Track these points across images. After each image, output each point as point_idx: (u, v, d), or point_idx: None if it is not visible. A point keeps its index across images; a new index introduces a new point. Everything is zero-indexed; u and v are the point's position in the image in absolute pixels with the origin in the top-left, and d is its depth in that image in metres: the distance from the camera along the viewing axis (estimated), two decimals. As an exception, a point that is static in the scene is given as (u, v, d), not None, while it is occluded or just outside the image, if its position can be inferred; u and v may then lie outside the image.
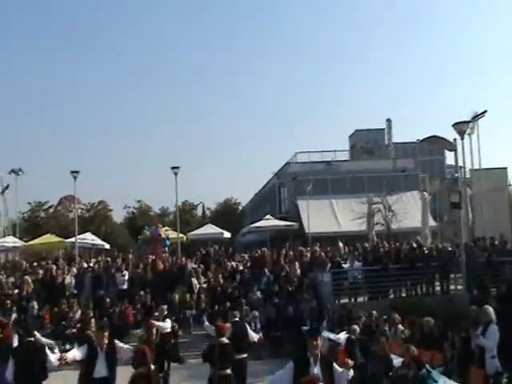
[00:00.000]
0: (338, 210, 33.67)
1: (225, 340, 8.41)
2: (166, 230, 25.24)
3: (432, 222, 27.15)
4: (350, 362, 6.11)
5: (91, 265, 19.92)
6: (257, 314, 15.29)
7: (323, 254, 19.34)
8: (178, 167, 23.83)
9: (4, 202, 40.14)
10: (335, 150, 40.01)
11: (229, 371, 8.16)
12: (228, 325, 9.66)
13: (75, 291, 18.08)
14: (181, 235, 26.12)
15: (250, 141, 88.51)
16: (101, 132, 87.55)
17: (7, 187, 40.10)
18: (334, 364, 6.12)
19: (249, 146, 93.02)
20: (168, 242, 23.26)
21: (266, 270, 18.40)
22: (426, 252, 18.67)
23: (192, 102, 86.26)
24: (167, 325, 10.77)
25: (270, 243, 27.19)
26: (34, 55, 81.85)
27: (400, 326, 11.29)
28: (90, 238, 27.06)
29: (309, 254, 19.90)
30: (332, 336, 11.49)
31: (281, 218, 32.57)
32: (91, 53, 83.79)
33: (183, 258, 20.39)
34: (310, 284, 17.40)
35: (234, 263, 20.11)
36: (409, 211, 28.16)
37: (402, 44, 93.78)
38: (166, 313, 11.13)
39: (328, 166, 36.98)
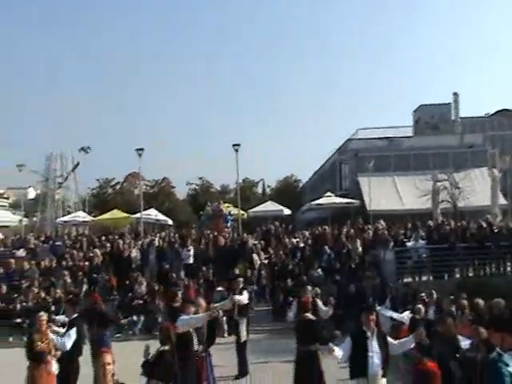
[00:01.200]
0: (401, 187, 32.83)
1: (309, 315, 8.28)
2: (227, 207, 25.53)
3: (502, 200, 25.99)
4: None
5: (156, 239, 20.47)
6: (319, 291, 15.23)
7: (386, 231, 18.97)
8: (238, 144, 23.94)
9: (74, 178, 41.99)
10: (398, 126, 38.93)
11: (315, 347, 8.04)
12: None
13: (140, 264, 18.68)
14: (241, 212, 26.35)
15: (311, 117, 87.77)
16: (167, 112, 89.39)
17: (77, 165, 41.89)
18: (388, 337, 6.57)
19: (310, 124, 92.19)
20: (230, 218, 23.52)
21: (327, 248, 18.28)
22: (496, 231, 17.92)
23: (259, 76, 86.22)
24: (244, 297, 10.89)
25: (331, 221, 26.94)
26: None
27: (467, 307, 10.92)
28: (153, 213, 27.84)
29: (371, 232, 19.57)
30: (395, 315, 11.25)
31: (341, 196, 32.17)
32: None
33: (244, 234, 20.59)
34: (371, 262, 17.14)
35: (294, 240, 20.10)
36: (476, 189, 27.01)
37: (470, 15, 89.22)
38: (242, 285, 11.21)
39: (390, 143, 36.05)
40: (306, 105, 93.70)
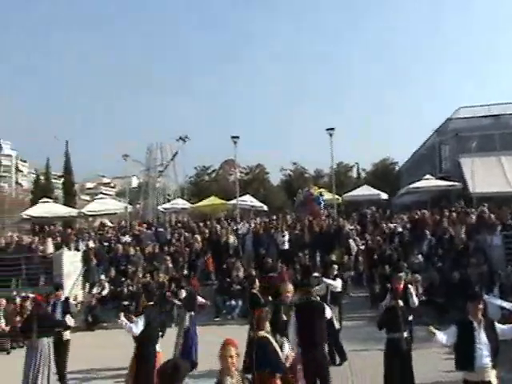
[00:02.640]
0: (509, 167, 30.61)
1: (398, 303, 8.01)
2: (317, 189, 25.30)
3: None
4: None
5: (252, 225, 20.75)
6: (419, 277, 14.66)
7: (492, 215, 17.79)
8: (333, 128, 23.59)
9: (173, 167, 43.70)
10: (503, 103, 36.19)
11: (406, 334, 7.78)
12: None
13: (238, 250, 19.04)
14: (336, 197, 25.98)
15: (405, 100, 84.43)
16: (257, 97, 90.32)
17: (176, 154, 43.53)
18: (496, 323, 6.10)
19: (406, 104, 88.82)
20: (322, 199, 23.28)
21: (428, 233, 17.51)
22: None
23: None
24: (338, 283, 10.81)
25: (431, 204, 25.78)
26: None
27: None
28: (249, 200, 28.24)
29: (474, 216, 18.46)
30: (506, 304, 10.56)
31: (441, 178, 30.61)
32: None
33: (340, 220, 20.28)
34: (477, 248, 16.17)
35: (391, 225, 19.48)
36: None
37: None
38: (336, 272, 11.13)
39: (496, 121, 33.66)
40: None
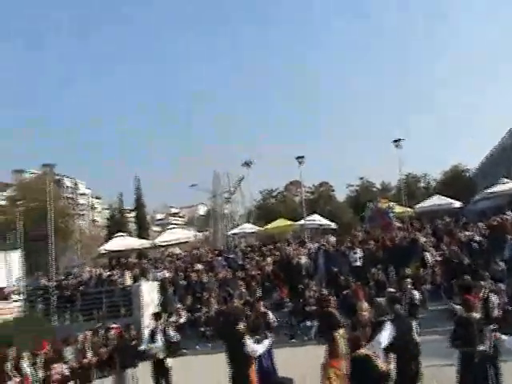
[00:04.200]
0: None
1: (474, 314, 7.57)
2: (385, 202, 24.72)
3: None
4: None
5: (322, 244, 20.56)
6: (502, 286, 13.91)
7: None
8: (399, 139, 23.05)
9: (240, 192, 44.31)
10: None
11: (484, 347, 7.31)
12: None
13: (310, 270, 18.87)
14: (407, 209, 25.30)
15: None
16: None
17: (242, 179, 44.15)
18: None
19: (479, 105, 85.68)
20: (391, 212, 22.70)
21: (509, 238, 16.63)
22: None
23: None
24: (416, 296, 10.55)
25: (509, 209, 24.49)
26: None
27: None
28: (317, 218, 28.05)
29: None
30: None
31: (519, 180, 29.10)
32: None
33: (413, 232, 19.69)
34: None
35: (468, 233, 18.66)
36: None
37: None
38: (409, 285, 10.85)
39: None
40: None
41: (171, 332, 9.82)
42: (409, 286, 10.71)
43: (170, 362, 9.61)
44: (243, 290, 18.06)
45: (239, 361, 7.77)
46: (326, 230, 28.57)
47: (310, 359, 9.37)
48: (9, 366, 8.83)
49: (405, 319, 7.50)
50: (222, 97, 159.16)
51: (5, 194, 58.15)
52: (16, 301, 18.87)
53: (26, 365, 9.48)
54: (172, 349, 9.68)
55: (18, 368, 9.16)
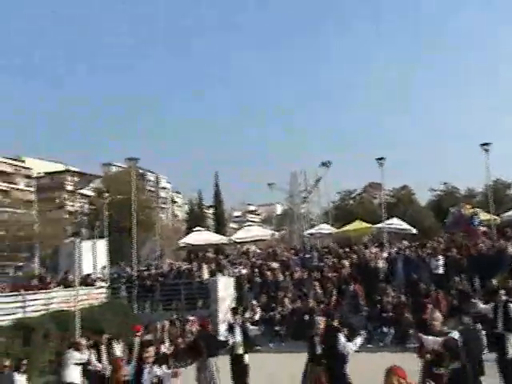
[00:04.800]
0: None
1: None
2: (469, 208, 23.53)
3: None
4: None
5: (402, 249, 19.98)
6: None
7: None
8: (488, 143, 21.82)
9: (317, 192, 44.03)
10: None
11: None
12: None
13: (388, 275, 18.41)
14: (494, 217, 23.97)
15: None
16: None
17: (319, 179, 43.83)
18: None
19: None
20: (475, 219, 21.57)
21: None
22: None
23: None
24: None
25: None
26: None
27: None
28: (396, 223, 27.25)
29: None
30: None
31: None
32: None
33: (501, 241, 18.64)
34: None
35: None
36: None
37: None
38: (504, 297, 10.25)
39: None
40: None
41: (251, 326, 9.89)
42: (503, 298, 10.10)
43: (247, 358, 9.69)
44: (318, 291, 17.92)
45: (334, 359, 7.82)
46: (406, 234, 27.71)
47: (383, 365, 9.13)
48: (103, 349, 9.31)
49: (474, 332, 7.15)
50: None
51: (93, 185, 61.45)
52: (101, 287, 19.85)
53: (118, 348, 9.97)
54: (249, 344, 9.74)
55: (110, 352, 9.63)
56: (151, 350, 6.76)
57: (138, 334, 9.76)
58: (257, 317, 17.56)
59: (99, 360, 9.52)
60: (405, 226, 27.63)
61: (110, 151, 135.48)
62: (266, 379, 11.27)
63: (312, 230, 31.84)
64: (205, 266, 20.84)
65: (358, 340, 8.18)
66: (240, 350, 9.64)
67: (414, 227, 28.81)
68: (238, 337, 9.70)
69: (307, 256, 21.69)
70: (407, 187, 51.58)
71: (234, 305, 18.61)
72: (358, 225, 29.10)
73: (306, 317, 16.20)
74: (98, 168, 67.85)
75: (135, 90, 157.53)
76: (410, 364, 6.23)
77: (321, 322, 8.60)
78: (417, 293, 16.33)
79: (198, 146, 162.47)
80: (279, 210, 69.81)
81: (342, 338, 7.98)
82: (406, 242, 21.44)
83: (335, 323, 8.67)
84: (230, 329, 10.00)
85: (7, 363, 10.67)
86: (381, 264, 18.57)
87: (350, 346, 7.95)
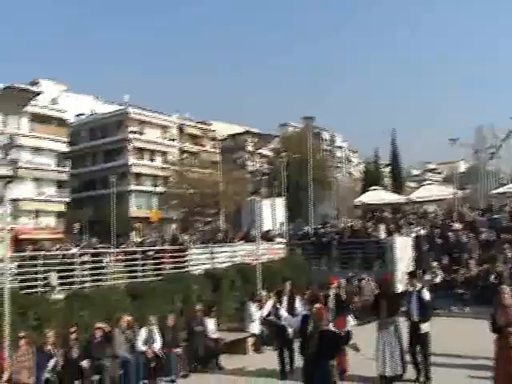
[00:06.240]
0: None
1: None
2: None
3: None
4: None
5: None
6: None
7: None
8: None
9: (508, 148, 40.05)
10: None
11: None
12: None
13: None
14: None
15: None
16: None
17: (509, 134, 39.77)
18: None
19: None
20: None
21: None
22: None
23: None
24: None
25: None
26: None
27: None
28: None
29: None
30: None
31: None
32: None
33: None
34: None
35: None
36: None
37: None
38: None
39: None
40: None
41: (426, 294, 9.37)
42: None
43: (425, 326, 9.21)
44: (508, 255, 16.42)
45: None
46: None
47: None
48: (284, 300, 9.76)
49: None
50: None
51: (271, 145, 63.83)
52: (280, 243, 20.69)
53: (297, 301, 10.42)
54: (426, 312, 9.24)
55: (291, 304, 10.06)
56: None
57: (333, 285, 10.08)
58: (438, 279, 16.82)
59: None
60: None
61: (287, 111, 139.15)
62: (447, 344, 10.74)
63: (501, 189, 29.11)
64: (381, 226, 20.42)
65: None
66: (415, 318, 9.25)
67: None
68: (414, 304, 9.28)
69: (495, 217, 19.93)
70: None
71: (412, 266, 17.99)
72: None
73: (493, 280, 15.02)
74: (275, 129, 70.05)
75: (324, 56, 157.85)
76: None
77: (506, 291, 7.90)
78: None
79: (376, 103, 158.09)
80: (462, 167, 65.08)
81: None
82: None
83: None
84: (405, 295, 9.63)
85: (199, 308, 11.77)
86: None
87: None
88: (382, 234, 19.93)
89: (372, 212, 26.56)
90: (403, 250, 18.12)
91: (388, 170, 64.39)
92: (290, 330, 9.53)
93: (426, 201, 28.12)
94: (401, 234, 19.49)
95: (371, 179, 52.00)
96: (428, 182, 36.69)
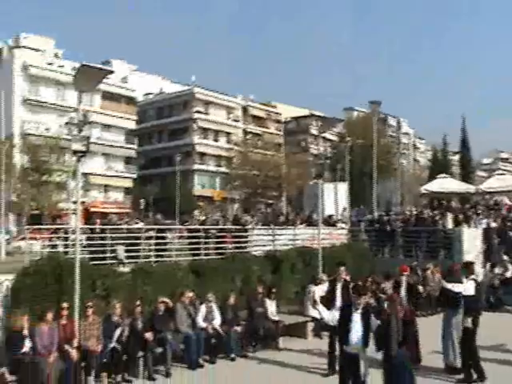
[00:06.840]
0: None
1: None
2: None
3: None
4: None
5: None
6: None
7: None
8: None
9: None
10: None
11: None
12: None
13: None
14: None
15: None
16: None
17: None
18: None
19: None
20: None
21: None
22: None
23: None
24: None
25: None
26: None
27: None
28: None
29: None
30: None
31: None
32: None
33: None
34: None
35: None
36: None
37: None
38: None
39: None
40: None
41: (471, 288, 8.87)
42: None
43: (468, 321, 8.64)
44: None
45: None
46: None
47: None
48: (338, 288, 9.59)
49: None
50: None
51: (335, 130, 62.90)
52: (342, 229, 20.40)
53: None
54: (471, 307, 8.71)
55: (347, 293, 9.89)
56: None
57: (405, 273, 10.12)
58: (508, 274, 16.07)
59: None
60: None
61: (353, 96, 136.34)
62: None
63: None
64: (449, 215, 19.66)
65: None
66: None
67: None
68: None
69: None
70: None
71: (481, 259, 17.25)
72: None
73: None
74: (340, 113, 68.94)
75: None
76: None
77: None
78: None
79: (444, 90, 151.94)
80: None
81: None
82: None
83: None
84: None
85: (260, 289, 11.80)
86: None
87: None
88: (450, 224, 19.20)
89: (439, 201, 25.62)
90: (471, 241, 17.43)
91: (457, 158, 61.96)
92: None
93: (498, 191, 26.82)
94: (469, 225, 18.72)
95: (439, 167, 50.27)
96: (500, 171, 34.96)
